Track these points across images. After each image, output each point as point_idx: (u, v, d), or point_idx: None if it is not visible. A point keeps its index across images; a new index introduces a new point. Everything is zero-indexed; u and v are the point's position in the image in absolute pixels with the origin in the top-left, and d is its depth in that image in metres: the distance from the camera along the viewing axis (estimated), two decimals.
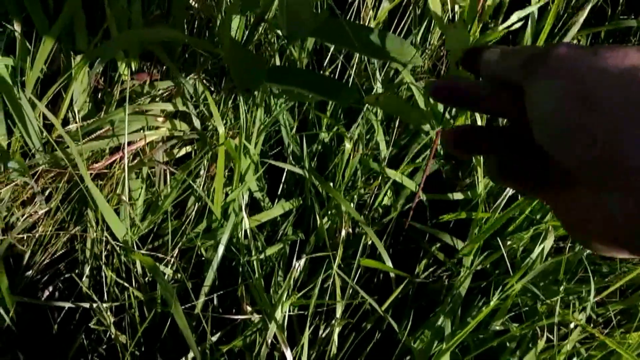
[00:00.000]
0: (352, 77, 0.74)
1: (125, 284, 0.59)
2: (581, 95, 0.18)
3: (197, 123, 0.63)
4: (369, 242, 0.64)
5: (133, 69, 0.60)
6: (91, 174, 0.59)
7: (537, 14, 0.70)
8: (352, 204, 0.67)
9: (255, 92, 0.61)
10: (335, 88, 0.60)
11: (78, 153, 0.55)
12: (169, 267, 0.63)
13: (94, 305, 0.60)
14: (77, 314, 0.64)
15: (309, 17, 0.47)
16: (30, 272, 0.62)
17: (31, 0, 0.55)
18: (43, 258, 0.63)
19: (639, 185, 0.16)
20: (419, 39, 0.82)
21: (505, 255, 0.60)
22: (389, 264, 0.61)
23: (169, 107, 0.61)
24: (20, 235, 0.60)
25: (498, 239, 0.64)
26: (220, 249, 0.60)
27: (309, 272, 0.66)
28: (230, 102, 0.66)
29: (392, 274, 0.64)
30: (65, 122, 0.60)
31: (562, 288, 0.62)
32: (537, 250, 0.61)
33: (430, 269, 0.67)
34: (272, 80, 0.58)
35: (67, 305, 0.61)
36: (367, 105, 0.70)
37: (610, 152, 0.17)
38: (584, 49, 0.20)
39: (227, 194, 0.64)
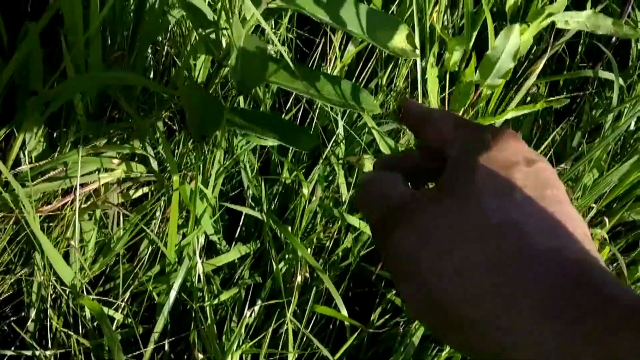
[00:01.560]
0: (314, 120, 0.75)
1: (70, 332, 0.57)
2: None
3: (154, 165, 0.62)
4: (325, 288, 0.64)
5: (90, 109, 0.60)
6: (41, 216, 0.58)
7: None
8: (310, 249, 0.66)
9: (218, 132, 0.61)
10: (295, 133, 0.61)
11: (26, 196, 0.53)
12: (120, 311, 0.61)
13: (37, 352, 0.58)
14: (21, 358, 0.61)
15: (262, 69, 0.47)
16: None
17: None
18: None
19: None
20: (384, 81, 0.83)
21: None
22: (344, 311, 0.60)
23: (126, 150, 0.60)
24: None
25: None
26: (172, 294, 0.59)
27: (264, 316, 0.65)
28: (190, 143, 0.66)
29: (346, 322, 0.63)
30: (17, 162, 0.59)
31: None
32: None
33: (387, 315, 0.67)
34: (232, 123, 0.58)
35: (9, 353, 0.59)
36: (329, 146, 0.71)
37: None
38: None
39: (184, 235, 0.63)
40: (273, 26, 0.80)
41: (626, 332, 0.15)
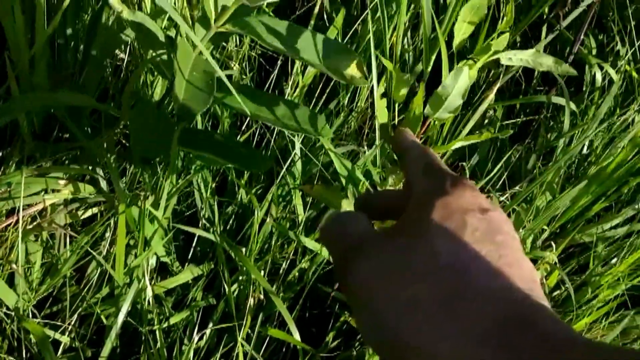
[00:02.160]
0: (272, 141, 0.75)
1: (13, 358, 0.55)
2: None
3: (104, 185, 0.61)
4: (277, 311, 0.64)
5: (36, 129, 0.59)
6: None
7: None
8: (265, 270, 0.66)
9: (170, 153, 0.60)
10: (249, 156, 0.60)
11: None
12: (67, 334, 0.60)
13: None
14: None
15: (206, 96, 0.47)
16: None
17: None
18: None
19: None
20: (346, 101, 0.84)
21: None
22: (297, 334, 0.60)
23: (72, 171, 0.59)
24: None
25: None
26: (120, 317, 0.58)
27: (217, 339, 0.64)
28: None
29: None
30: None
31: None
32: None
33: (341, 337, 0.67)
34: (185, 145, 0.57)
35: None
36: (285, 166, 0.71)
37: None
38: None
39: (136, 256, 0.62)
40: (237, 43, 0.81)
41: None
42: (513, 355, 0.18)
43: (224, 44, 0.79)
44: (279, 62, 0.81)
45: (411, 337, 0.19)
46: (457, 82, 0.47)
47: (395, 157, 0.31)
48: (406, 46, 0.89)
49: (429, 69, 0.76)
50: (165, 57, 0.55)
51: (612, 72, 0.81)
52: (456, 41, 0.51)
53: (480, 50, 0.50)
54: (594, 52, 0.91)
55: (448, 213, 0.22)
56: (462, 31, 0.52)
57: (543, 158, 0.84)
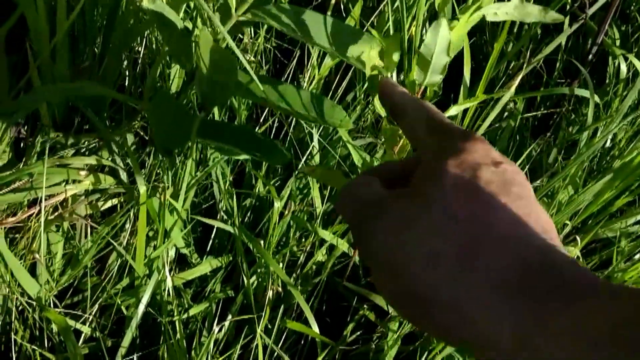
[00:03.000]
0: (290, 132, 0.74)
1: (35, 346, 0.56)
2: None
3: (124, 176, 0.61)
4: (296, 303, 0.63)
5: (57, 120, 0.59)
6: (5, 227, 0.57)
7: (469, 79, 0.72)
8: (283, 262, 0.66)
9: (189, 144, 0.60)
10: (268, 148, 0.60)
11: None
12: (87, 324, 0.60)
13: None
14: None
15: (229, 85, 0.47)
16: None
17: None
18: None
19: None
20: (362, 93, 0.83)
21: None
22: (315, 327, 0.60)
23: (93, 161, 0.59)
24: None
25: None
26: (141, 308, 0.58)
27: (235, 331, 0.64)
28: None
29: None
30: None
31: None
32: None
33: (360, 331, 0.66)
34: (204, 136, 0.57)
35: None
36: (303, 159, 0.71)
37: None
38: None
39: (155, 248, 0.62)
40: (252, 35, 0.80)
41: (581, 307, 0.17)
42: (535, 303, 0.18)
43: (240, 35, 0.78)
44: (296, 55, 0.80)
45: (434, 291, 0.19)
46: (438, 37, 0.45)
47: (388, 115, 0.30)
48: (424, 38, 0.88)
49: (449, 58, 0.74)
50: (184, 46, 0.55)
51: (637, 63, 0.79)
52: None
53: (464, 9, 0.48)
54: (618, 42, 0.89)
55: (461, 170, 0.21)
56: None
57: (564, 152, 0.82)
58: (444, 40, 0.44)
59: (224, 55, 0.49)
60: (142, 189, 0.54)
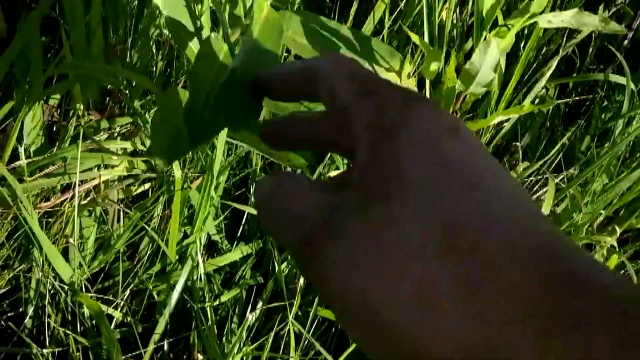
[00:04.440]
0: None
1: (68, 330, 0.56)
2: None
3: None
4: None
5: (91, 103, 0.58)
6: (39, 212, 0.57)
7: (504, 64, 0.71)
8: None
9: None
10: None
11: (23, 192, 0.52)
12: (119, 309, 0.60)
13: (34, 350, 0.57)
14: (18, 356, 0.60)
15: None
16: None
17: None
18: None
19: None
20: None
21: None
22: None
23: (127, 145, 0.59)
24: None
25: None
26: (175, 294, 0.58)
27: (265, 317, 0.64)
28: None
29: None
30: (14, 157, 0.57)
31: None
32: None
33: None
34: (230, 129, 0.56)
35: (6, 350, 0.58)
36: None
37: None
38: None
39: (185, 234, 0.62)
40: None
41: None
42: (561, 337, 0.13)
43: None
44: None
45: (426, 338, 0.14)
46: (486, 56, 0.44)
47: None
48: (454, 22, 0.86)
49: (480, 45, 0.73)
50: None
51: None
52: (486, 6, 0.48)
53: (516, 14, 0.47)
54: None
55: (419, 152, 0.16)
56: None
57: (597, 139, 0.80)
58: (492, 59, 0.43)
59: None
60: (178, 174, 0.53)
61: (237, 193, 0.70)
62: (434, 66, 0.50)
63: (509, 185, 0.16)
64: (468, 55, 0.89)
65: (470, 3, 0.89)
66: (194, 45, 0.46)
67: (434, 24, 0.82)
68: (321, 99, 0.20)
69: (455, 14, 0.85)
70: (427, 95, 0.62)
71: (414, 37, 0.50)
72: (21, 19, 0.56)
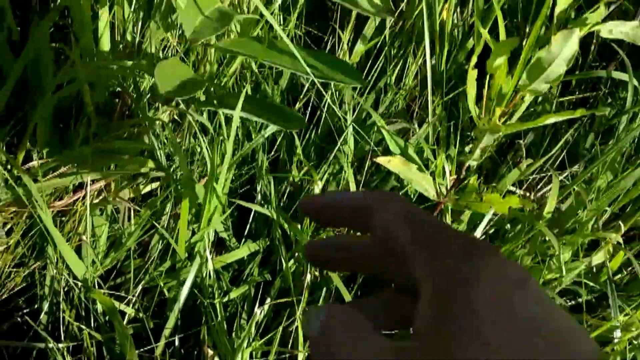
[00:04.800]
0: (323, 116, 0.74)
1: (82, 325, 0.58)
2: None
3: (163, 161, 0.63)
4: (334, 287, 0.64)
5: (100, 106, 0.60)
6: (53, 211, 0.58)
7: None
8: None
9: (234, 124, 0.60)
10: (285, 115, 0.60)
11: (38, 191, 0.54)
12: (131, 305, 0.62)
13: (50, 345, 0.58)
14: (34, 351, 0.62)
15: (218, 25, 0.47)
16: None
17: None
18: (1, 293, 0.62)
19: None
20: (393, 79, 0.82)
21: None
22: None
23: (135, 145, 0.60)
24: None
25: None
26: (185, 290, 0.59)
27: (273, 313, 0.65)
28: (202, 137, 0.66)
29: None
30: (28, 158, 0.59)
31: None
32: None
33: None
34: (225, 106, 0.58)
35: (22, 345, 0.60)
36: (338, 144, 0.71)
37: None
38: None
39: (193, 232, 0.63)
40: (281, 22, 0.80)
41: None
42: None
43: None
44: (327, 40, 0.80)
45: None
46: (566, 46, 0.42)
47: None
48: (455, 21, 0.87)
49: (482, 44, 0.73)
50: None
51: None
52: (560, 8, 0.47)
53: (577, 23, 0.47)
54: None
55: (493, 310, 0.15)
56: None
57: (601, 136, 0.81)
58: (570, 51, 0.42)
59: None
60: (186, 173, 0.55)
61: (241, 191, 0.71)
62: (499, 61, 0.48)
63: (588, 343, 0.16)
64: (468, 57, 0.90)
65: (470, 3, 0.89)
66: None
67: (434, 24, 0.83)
68: (374, 235, 0.19)
69: (455, 14, 0.86)
70: (484, 97, 0.60)
71: (481, 30, 0.49)
72: (32, 24, 0.58)
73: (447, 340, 0.15)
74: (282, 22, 0.80)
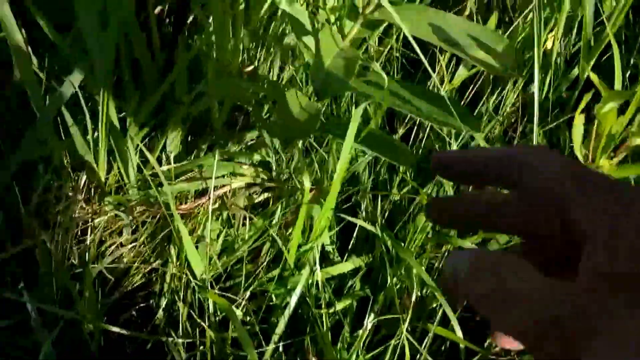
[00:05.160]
0: (423, 140, 0.75)
1: (199, 321, 0.61)
2: None
3: (277, 171, 0.66)
4: (435, 306, 0.64)
5: (224, 118, 0.64)
6: (178, 213, 0.62)
7: None
8: (422, 267, 0.67)
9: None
10: (395, 149, 0.61)
11: (170, 192, 0.58)
12: (240, 309, 0.64)
13: (169, 339, 0.61)
14: (148, 344, 0.66)
15: (345, 77, 0.48)
16: (111, 300, 0.65)
17: (143, 55, 0.60)
18: (124, 287, 0.66)
19: None
20: (491, 104, 0.83)
21: None
22: (459, 333, 0.60)
23: (254, 156, 0.64)
24: (109, 265, 0.63)
25: None
26: (294, 299, 0.61)
27: (373, 330, 0.66)
28: (314, 153, 0.69)
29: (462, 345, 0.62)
30: (157, 164, 0.64)
31: None
32: None
33: None
34: (336, 135, 0.60)
35: (144, 336, 0.63)
36: None
37: None
38: None
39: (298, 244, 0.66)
40: (377, 42, 0.82)
41: None
42: None
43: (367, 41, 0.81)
44: (424, 63, 0.82)
45: None
46: None
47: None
48: (559, 50, 0.87)
49: (586, 73, 0.72)
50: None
51: None
52: None
53: None
54: None
55: None
56: None
57: None
58: None
59: (346, 52, 0.50)
60: (307, 185, 0.57)
61: (344, 207, 0.73)
62: (609, 106, 0.48)
63: None
64: (570, 87, 0.88)
65: (575, 31, 0.88)
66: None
67: (537, 52, 0.82)
68: (525, 189, 0.19)
69: (561, 42, 0.85)
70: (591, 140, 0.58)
71: (592, 77, 0.48)
72: (177, 49, 0.63)
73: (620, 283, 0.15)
74: (377, 43, 0.82)
